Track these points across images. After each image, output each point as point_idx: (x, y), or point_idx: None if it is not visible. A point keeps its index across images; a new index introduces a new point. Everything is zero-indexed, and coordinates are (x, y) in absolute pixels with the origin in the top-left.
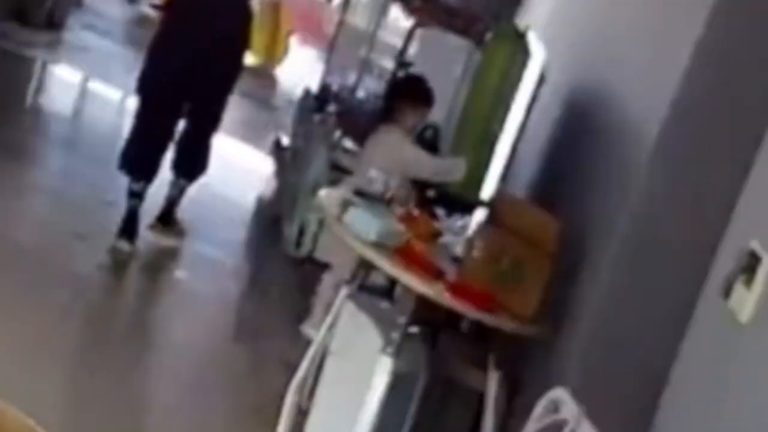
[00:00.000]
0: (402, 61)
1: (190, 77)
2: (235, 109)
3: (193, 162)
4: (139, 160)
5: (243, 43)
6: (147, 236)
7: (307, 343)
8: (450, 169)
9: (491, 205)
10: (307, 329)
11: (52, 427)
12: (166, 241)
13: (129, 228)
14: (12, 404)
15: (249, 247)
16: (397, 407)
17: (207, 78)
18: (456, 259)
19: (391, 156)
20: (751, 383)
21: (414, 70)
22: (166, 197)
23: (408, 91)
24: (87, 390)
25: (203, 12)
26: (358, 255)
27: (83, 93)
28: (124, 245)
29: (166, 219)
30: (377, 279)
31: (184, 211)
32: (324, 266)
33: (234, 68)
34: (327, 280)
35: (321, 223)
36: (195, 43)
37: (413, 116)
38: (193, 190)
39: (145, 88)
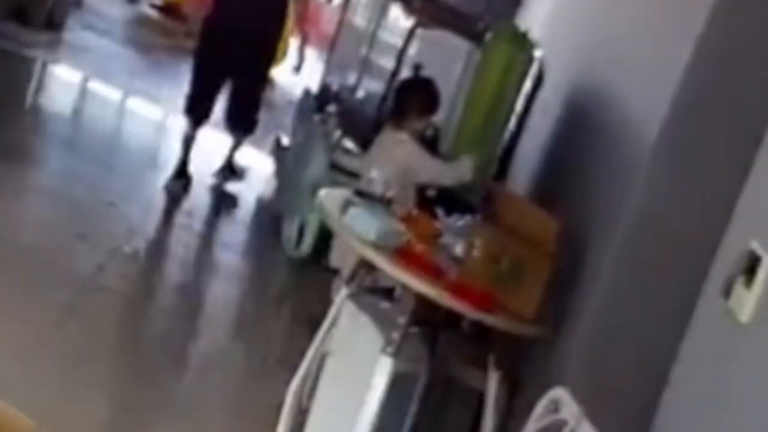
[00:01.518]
0: (414, 65)
1: (233, 50)
2: None
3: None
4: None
5: (280, 23)
6: (147, 234)
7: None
8: (458, 172)
9: (491, 204)
10: None
11: (51, 427)
12: (231, 185)
13: (181, 170)
14: (12, 404)
15: (249, 247)
16: (397, 407)
17: (247, 52)
18: (456, 259)
19: (398, 162)
20: (751, 383)
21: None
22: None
23: (417, 95)
24: (87, 390)
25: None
26: (358, 255)
27: (83, 93)
28: (176, 186)
29: (230, 169)
30: (383, 281)
31: (184, 207)
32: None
33: (270, 46)
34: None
35: (322, 224)
36: (238, 22)
37: (419, 121)
38: (194, 189)
39: (199, 53)
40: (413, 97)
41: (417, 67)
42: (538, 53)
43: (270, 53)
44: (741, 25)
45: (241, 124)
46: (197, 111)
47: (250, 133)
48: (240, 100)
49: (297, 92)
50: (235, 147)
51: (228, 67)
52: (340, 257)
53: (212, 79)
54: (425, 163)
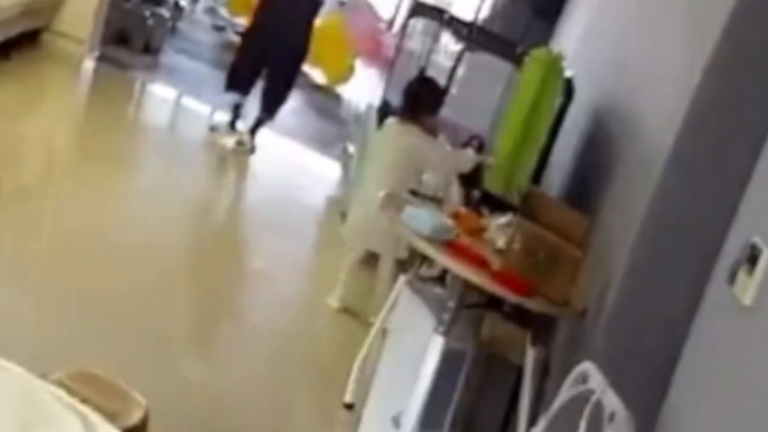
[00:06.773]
0: (419, 68)
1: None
2: (309, 122)
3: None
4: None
5: (311, 24)
6: (202, 232)
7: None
8: (460, 162)
9: (529, 204)
10: (330, 300)
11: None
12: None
13: (232, 122)
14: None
15: (320, 242)
16: (448, 379)
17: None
18: (499, 251)
19: (402, 147)
20: (752, 359)
21: (463, 88)
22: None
23: (428, 95)
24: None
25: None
26: (414, 247)
27: (177, 108)
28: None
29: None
30: (432, 271)
31: (265, 209)
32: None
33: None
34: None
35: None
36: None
37: (429, 119)
38: (272, 191)
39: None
40: (425, 96)
41: (422, 69)
42: (568, 73)
43: (304, 49)
44: (755, 36)
45: (273, 104)
46: (239, 85)
47: (274, 113)
48: (275, 83)
49: (361, 107)
50: (258, 124)
51: (269, 54)
52: (353, 235)
53: (255, 61)
54: (430, 148)
